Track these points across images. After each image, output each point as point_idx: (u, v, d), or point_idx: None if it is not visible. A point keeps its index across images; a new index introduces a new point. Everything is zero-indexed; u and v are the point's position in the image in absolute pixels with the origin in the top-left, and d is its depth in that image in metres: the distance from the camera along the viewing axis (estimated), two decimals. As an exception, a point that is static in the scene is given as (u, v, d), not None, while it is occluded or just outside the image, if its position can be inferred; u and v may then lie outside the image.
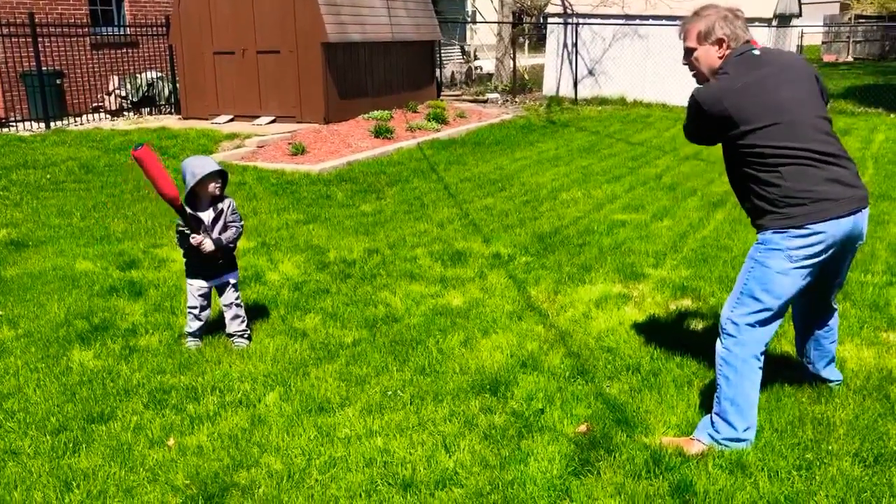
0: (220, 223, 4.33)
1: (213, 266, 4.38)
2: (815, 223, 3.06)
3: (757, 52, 3.20)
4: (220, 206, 4.35)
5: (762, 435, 3.37)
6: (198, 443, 3.43)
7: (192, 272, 4.42)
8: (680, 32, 3.32)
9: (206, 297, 4.45)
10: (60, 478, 3.16)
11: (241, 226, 4.44)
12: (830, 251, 3.14)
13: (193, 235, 4.19)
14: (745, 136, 3.10)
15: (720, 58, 3.19)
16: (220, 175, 4.32)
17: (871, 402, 3.66)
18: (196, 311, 4.43)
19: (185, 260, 4.44)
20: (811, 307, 3.60)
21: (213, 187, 4.28)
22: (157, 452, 3.36)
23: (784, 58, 3.27)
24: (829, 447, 3.29)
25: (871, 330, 4.54)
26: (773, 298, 3.16)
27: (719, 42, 3.18)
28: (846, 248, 3.23)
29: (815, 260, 3.13)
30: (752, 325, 3.19)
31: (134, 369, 4.17)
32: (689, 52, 3.26)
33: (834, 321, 3.67)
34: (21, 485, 3.13)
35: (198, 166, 4.20)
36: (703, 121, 3.20)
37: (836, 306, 3.66)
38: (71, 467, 3.24)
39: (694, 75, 3.32)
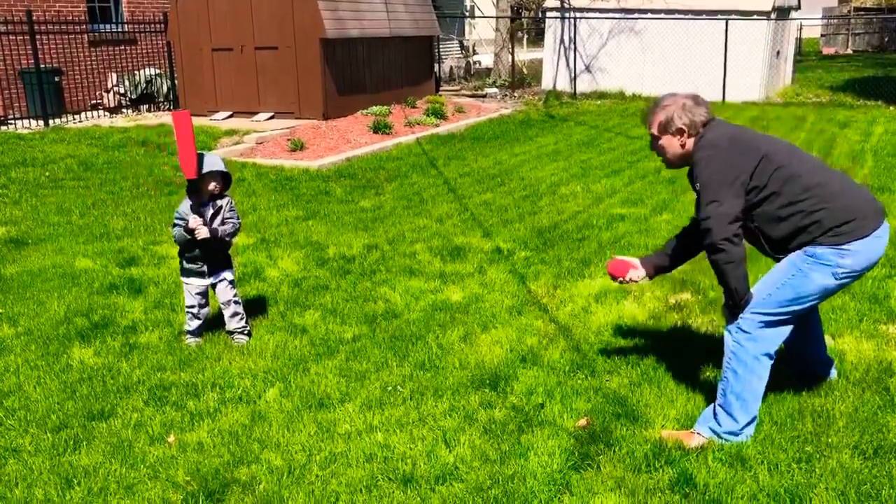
0: (218, 219, 4.35)
1: (209, 264, 4.39)
2: (863, 237, 3.09)
3: (719, 119, 3.31)
4: (219, 202, 4.36)
5: (762, 428, 3.37)
6: (198, 439, 3.43)
7: (186, 272, 4.42)
8: (643, 121, 3.42)
9: (204, 295, 4.45)
10: (61, 475, 3.17)
11: (239, 223, 4.46)
12: (871, 266, 3.21)
13: (194, 216, 4.21)
14: (766, 166, 3.11)
15: (682, 145, 3.28)
16: (223, 176, 4.35)
17: (871, 395, 3.66)
18: (194, 310, 4.43)
19: (180, 260, 4.45)
20: None
21: (213, 186, 4.30)
22: (158, 449, 3.36)
23: None
24: (829, 440, 3.29)
25: (871, 322, 4.54)
26: (799, 307, 3.19)
27: (679, 132, 3.26)
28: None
29: (856, 278, 3.21)
30: (767, 325, 3.20)
31: (134, 366, 4.18)
32: (653, 139, 3.35)
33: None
34: (22, 482, 3.14)
35: (206, 163, 4.23)
36: (718, 169, 3.11)
37: None
38: (72, 464, 3.24)
39: (662, 161, 3.41)
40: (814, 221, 3.09)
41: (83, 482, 3.13)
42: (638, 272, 3.62)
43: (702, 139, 3.23)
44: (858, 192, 3.19)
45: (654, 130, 3.34)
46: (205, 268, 4.40)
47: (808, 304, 3.21)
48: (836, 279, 3.13)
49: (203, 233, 4.23)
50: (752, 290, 3.24)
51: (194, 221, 4.21)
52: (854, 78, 19.36)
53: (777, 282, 3.19)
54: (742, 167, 3.10)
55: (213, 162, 4.29)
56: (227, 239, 4.42)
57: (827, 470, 3.08)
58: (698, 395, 3.68)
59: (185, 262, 4.42)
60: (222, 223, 4.35)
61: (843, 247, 3.08)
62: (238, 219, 4.46)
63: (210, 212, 4.32)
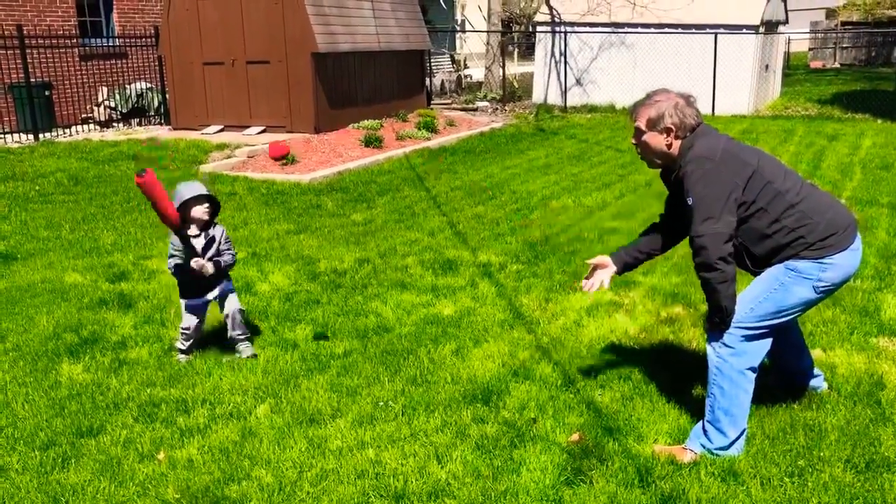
0: (213, 250, 4.28)
1: (212, 279, 4.33)
2: (841, 251, 3.14)
3: (709, 126, 3.28)
4: (211, 232, 4.29)
5: (754, 442, 3.37)
6: (188, 456, 3.40)
7: (186, 292, 4.38)
8: (631, 112, 3.34)
9: (203, 313, 4.42)
10: (49, 494, 3.13)
11: (235, 255, 4.43)
12: (847, 279, 3.26)
13: (196, 259, 4.16)
14: (755, 182, 3.10)
15: (668, 145, 3.22)
16: (209, 200, 4.26)
17: (863, 408, 3.66)
18: (189, 332, 4.40)
19: (178, 281, 4.40)
20: None
21: (201, 212, 4.21)
22: (147, 466, 3.33)
23: None
24: (821, 453, 3.29)
25: (862, 335, 4.55)
26: (781, 320, 3.21)
27: (667, 130, 3.20)
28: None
29: (832, 292, 3.25)
30: (749, 339, 3.20)
31: (123, 382, 4.15)
32: (638, 133, 3.29)
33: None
34: (10, 501, 3.10)
35: (184, 189, 4.17)
36: (713, 185, 3.06)
37: None
38: (60, 483, 3.21)
39: (641, 156, 3.35)
40: (797, 238, 3.12)
41: (71, 501, 3.09)
42: (607, 271, 3.57)
43: (691, 150, 3.16)
44: (837, 207, 3.23)
45: (641, 124, 3.26)
46: (203, 286, 4.34)
47: (789, 317, 3.24)
48: (816, 292, 3.17)
49: (210, 269, 4.20)
50: None
51: (196, 264, 4.15)
52: (842, 91, 19.51)
53: (759, 296, 3.20)
54: (735, 182, 3.08)
55: (192, 187, 4.19)
56: (227, 270, 4.39)
57: (819, 484, 3.08)
58: (691, 410, 3.67)
59: (183, 284, 4.35)
60: (218, 253, 4.29)
61: (824, 260, 3.12)
62: (233, 250, 4.42)
63: (202, 242, 4.25)
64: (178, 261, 4.22)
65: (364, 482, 3.18)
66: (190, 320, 4.38)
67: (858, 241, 3.23)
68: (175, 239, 4.19)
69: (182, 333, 4.42)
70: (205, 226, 4.28)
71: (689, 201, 3.12)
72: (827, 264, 3.12)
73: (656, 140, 3.24)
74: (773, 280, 3.19)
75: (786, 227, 3.12)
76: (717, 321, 3.20)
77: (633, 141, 3.33)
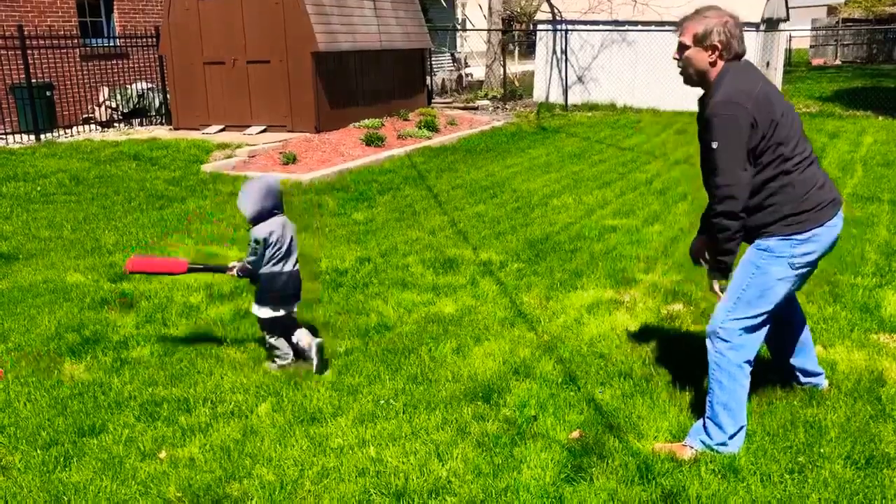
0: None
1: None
2: (816, 227, 3.13)
3: (750, 62, 3.22)
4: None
5: (754, 439, 3.37)
6: (190, 455, 3.41)
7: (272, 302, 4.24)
8: (677, 26, 3.26)
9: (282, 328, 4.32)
10: (51, 492, 3.14)
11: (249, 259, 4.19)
12: (824, 254, 3.23)
13: (231, 265, 4.15)
14: (770, 139, 3.05)
15: (711, 63, 3.16)
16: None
17: (863, 405, 3.67)
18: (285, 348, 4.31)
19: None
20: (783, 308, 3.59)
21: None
22: (149, 465, 3.35)
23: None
24: (821, 450, 3.30)
25: (862, 332, 4.56)
26: (768, 304, 3.21)
27: (713, 48, 3.13)
28: (833, 245, 3.30)
29: (813, 266, 3.23)
30: (745, 331, 3.22)
31: (125, 382, 4.16)
32: (681, 48, 3.21)
33: (798, 308, 3.70)
34: (12, 500, 3.11)
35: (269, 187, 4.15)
36: (742, 133, 3.01)
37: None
38: (62, 481, 3.22)
39: (681, 73, 3.27)
40: (773, 204, 3.12)
41: (73, 499, 3.10)
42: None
43: (724, 88, 3.05)
44: (824, 183, 3.20)
45: (687, 39, 3.16)
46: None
47: (776, 301, 3.22)
48: (793, 269, 3.17)
49: (237, 270, 4.16)
50: (720, 301, 3.29)
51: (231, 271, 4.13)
52: (843, 88, 19.50)
53: (741, 285, 3.22)
54: (758, 132, 3.02)
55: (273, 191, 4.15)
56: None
57: (819, 480, 3.09)
58: (691, 407, 3.68)
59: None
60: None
61: (794, 237, 3.13)
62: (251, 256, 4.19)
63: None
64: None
65: (365, 480, 3.19)
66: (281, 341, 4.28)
67: (838, 219, 3.21)
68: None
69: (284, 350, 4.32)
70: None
71: (715, 145, 3.04)
72: (798, 240, 3.13)
73: (700, 56, 3.16)
74: (749, 266, 3.22)
75: (771, 189, 3.11)
76: (724, 266, 3.22)
77: (675, 55, 3.23)
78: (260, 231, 4.05)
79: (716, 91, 3.10)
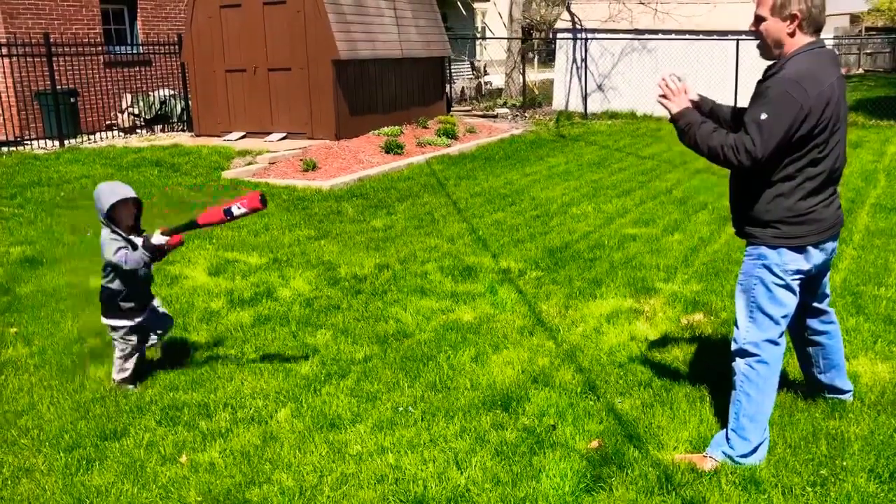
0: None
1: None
2: (812, 246, 3.15)
3: (832, 50, 3.11)
4: (136, 240, 4.05)
5: (776, 451, 3.34)
6: (210, 459, 3.44)
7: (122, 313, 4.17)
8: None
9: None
10: (74, 495, 3.18)
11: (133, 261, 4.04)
12: (818, 268, 3.26)
13: (156, 234, 3.94)
14: (812, 139, 2.98)
15: (790, 34, 3.01)
16: (136, 204, 4.09)
17: (886, 418, 3.63)
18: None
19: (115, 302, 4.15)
20: (803, 315, 3.56)
21: (127, 215, 4.03)
22: (170, 469, 3.37)
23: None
24: (844, 463, 3.26)
25: (886, 344, 4.51)
26: (782, 309, 3.20)
27: (792, 17, 2.97)
28: (828, 262, 3.36)
29: (804, 276, 3.23)
30: (771, 342, 3.20)
31: (146, 386, 4.19)
32: (758, 20, 3.06)
33: (834, 327, 3.63)
34: (35, 502, 3.15)
35: (120, 189, 4.07)
36: (795, 117, 2.91)
37: (829, 310, 3.60)
38: (84, 484, 3.25)
39: (758, 45, 3.17)
40: (778, 206, 3.09)
41: (95, 502, 3.13)
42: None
43: (796, 65, 2.95)
44: (830, 203, 3.17)
45: (764, 11, 3.02)
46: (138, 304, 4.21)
47: (788, 307, 3.21)
48: (788, 276, 3.17)
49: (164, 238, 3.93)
50: (737, 322, 3.29)
51: (158, 238, 3.91)
52: (866, 98, 19.31)
53: (750, 298, 3.23)
54: (805, 128, 2.94)
55: (125, 189, 4.06)
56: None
57: (842, 494, 3.05)
58: (711, 418, 3.65)
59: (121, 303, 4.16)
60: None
61: (781, 249, 3.13)
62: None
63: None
64: (139, 252, 3.95)
65: (384, 487, 3.19)
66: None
67: (831, 245, 3.24)
68: (107, 235, 4.00)
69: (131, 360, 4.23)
70: (133, 229, 4.06)
71: (763, 116, 2.94)
72: (784, 251, 3.13)
73: (778, 27, 3.01)
74: (748, 279, 3.23)
75: (782, 189, 3.07)
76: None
77: (752, 27, 3.12)
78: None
79: (788, 66, 3.00)
